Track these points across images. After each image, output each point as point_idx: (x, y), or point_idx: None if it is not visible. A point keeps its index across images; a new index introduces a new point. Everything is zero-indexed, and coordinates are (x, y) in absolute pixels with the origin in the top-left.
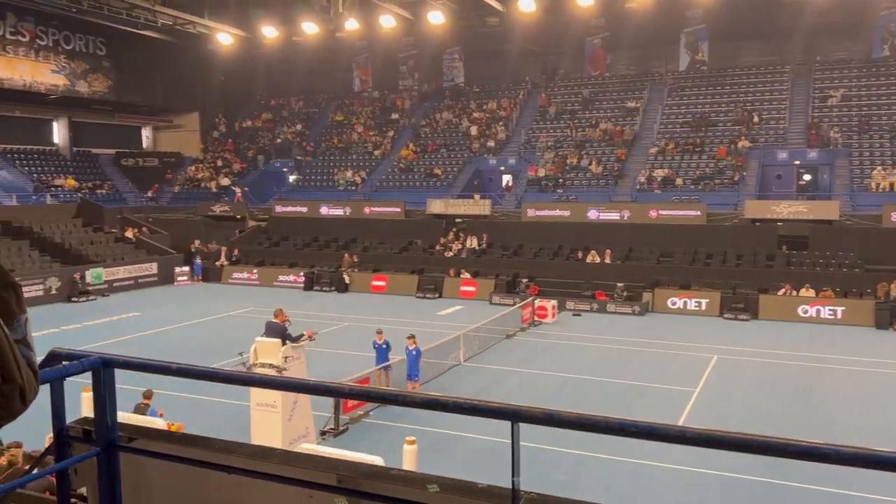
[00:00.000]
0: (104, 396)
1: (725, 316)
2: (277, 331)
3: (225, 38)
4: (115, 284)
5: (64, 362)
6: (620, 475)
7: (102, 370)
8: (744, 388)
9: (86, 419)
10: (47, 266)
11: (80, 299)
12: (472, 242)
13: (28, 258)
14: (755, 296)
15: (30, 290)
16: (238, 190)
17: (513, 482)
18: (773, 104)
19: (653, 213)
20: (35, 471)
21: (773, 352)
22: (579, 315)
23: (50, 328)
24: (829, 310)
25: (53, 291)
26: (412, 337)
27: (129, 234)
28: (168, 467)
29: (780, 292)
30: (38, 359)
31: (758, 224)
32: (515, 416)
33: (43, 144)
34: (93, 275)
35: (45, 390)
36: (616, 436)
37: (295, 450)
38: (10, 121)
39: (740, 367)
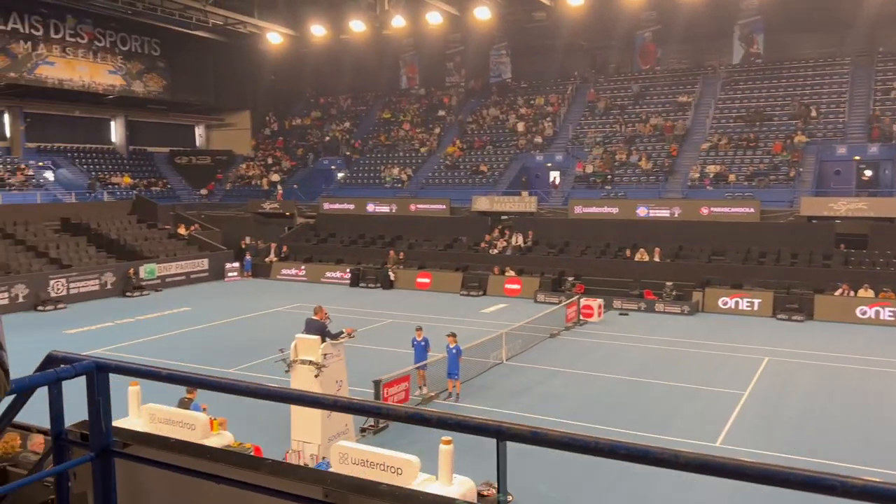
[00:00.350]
0: (98, 401)
1: (779, 317)
2: (317, 328)
3: (274, 37)
4: (167, 280)
5: (62, 365)
6: (663, 480)
7: (96, 374)
8: (796, 393)
9: (85, 423)
10: (103, 261)
11: (135, 294)
12: (518, 240)
13: (85, 253)
14: (810, 296)
15: (86, 285)
16: (280, 188)
17: (498, 500)
18: (831, 97)
19: (704, 211)
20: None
21: (829, 354)
22: (626, 314)
23: (105, 322)
24: (890, 311)
25: (109, 286)
26: (453, 335)
27: (182, 230)
28: (160, 474)
29: (837, 293)
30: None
31: (814, 222)
32: (500, 433)
33: (101, 143)
34: (146, 270)
35: (45, 392)
36: (605, 458)
37: (332, 446)
38: (70, 120)
39: (793, 370)
